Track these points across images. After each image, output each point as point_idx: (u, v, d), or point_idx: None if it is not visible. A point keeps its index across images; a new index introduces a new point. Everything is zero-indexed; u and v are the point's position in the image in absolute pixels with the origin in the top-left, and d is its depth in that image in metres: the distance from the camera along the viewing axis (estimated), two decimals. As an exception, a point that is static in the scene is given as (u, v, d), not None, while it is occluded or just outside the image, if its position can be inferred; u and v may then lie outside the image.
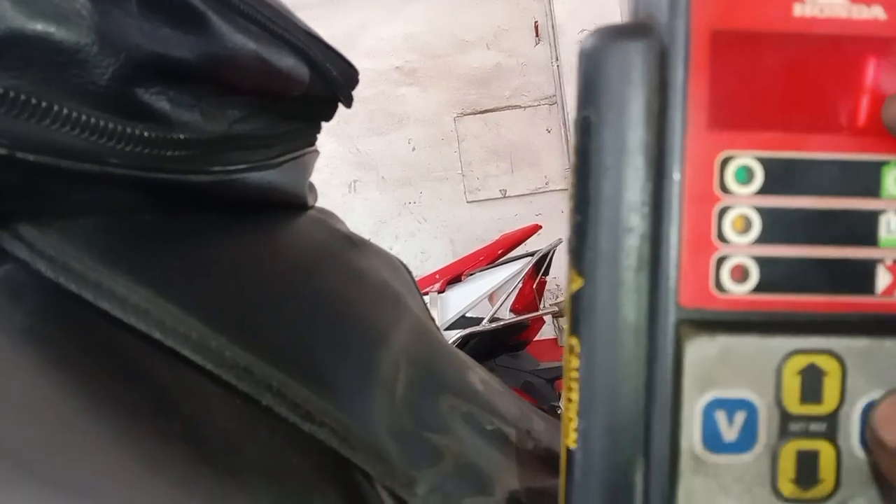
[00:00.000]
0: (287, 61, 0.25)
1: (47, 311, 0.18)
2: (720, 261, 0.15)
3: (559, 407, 1.84)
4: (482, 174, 3.06)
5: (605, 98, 0.15)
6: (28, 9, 0.17)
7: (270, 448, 0.20)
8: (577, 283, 0.15)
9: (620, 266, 0.15)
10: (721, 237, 0.15)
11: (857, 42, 0.14)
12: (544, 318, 1.97)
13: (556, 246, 1.92)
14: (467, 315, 1.75)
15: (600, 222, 0.15)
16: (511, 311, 1.81)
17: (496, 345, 1.80)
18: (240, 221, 0.26)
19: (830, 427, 0.15)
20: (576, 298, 0.16)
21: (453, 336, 1.67)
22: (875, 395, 0.15)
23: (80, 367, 0.17)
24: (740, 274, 0.15)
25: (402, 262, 0.38)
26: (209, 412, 0.19)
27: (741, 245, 0.15)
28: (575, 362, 0.16)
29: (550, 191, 3.04)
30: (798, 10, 0.14)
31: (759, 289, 0.15)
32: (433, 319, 0.37)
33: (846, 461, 0.15)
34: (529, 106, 3.04)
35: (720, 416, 0.15)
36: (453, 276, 1.80)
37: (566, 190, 3.11)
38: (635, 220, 0.15)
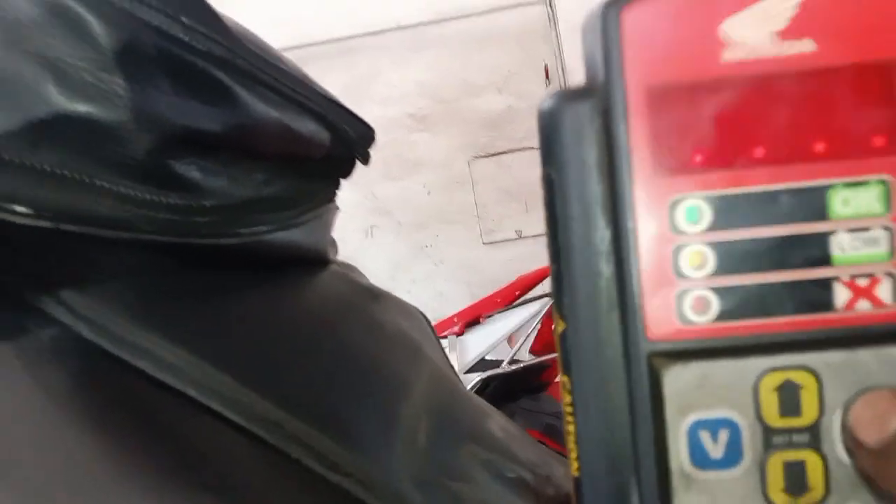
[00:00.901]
0: (309, 126, 0.26)
1: (88, 370, 0.19)
2: (681, 295, 0.16)
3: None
4: (497, 215, 3.08)
5: (561, 156, 0.16)
6: (71, 92, 0.18)
7: (300, 498, 0.21)
8: (561, 326, 0.17)
9: (594, 308, 0.16)
10: (679, 273, 0.16)
11: (788, 77, 0.15)
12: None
13: (573, 285, 1.92)
14: (487, 358, 1.74)
15: (572, 270, 0.16)
16: (531, 352, 1.80)
17: (516, 387, 1.78)
18: (266, 279, 0.27)
19: (813, 437, 0.15)
20: (562, 340, 0.17)
21: (473, 379, 1.67)
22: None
23: (119, 423, 0.18)
24: (702, 305, 0.16)
25: (420, 311, 0.39)
26: (241, 464, 0.20)
27: (699, 279, 0.16)
28: (568, 398, 0.17)
29: (566, 230, 3.05)
30: (726, 56, 0.15)
31: (721, 317, 0.16)
32: (452, 366, 0.37)
33: (833, 468, 0.15)
34: (542, 147, 3.07)
35: (704, 436, 0.16)
36: (471, 319, 1.80)
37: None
38: (601, 266, 0.16)
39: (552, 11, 2.96)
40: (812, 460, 0.15)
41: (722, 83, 0.15)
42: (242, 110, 0.23)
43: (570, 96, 0.16)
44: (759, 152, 0.15)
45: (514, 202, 3.06)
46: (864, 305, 0.15)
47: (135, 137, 0.19)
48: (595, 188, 0.16)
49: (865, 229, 0.15)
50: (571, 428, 0.17)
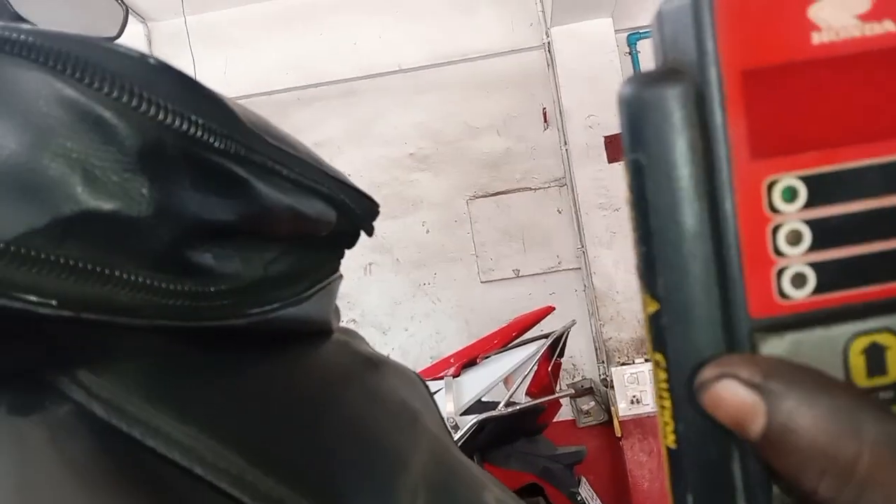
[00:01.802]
0: (316, 207, 0.28)
1: (101, 448, 0.19)
2: (780, 272, 0.16)
3: (578, 493, 1.79)
4: (495, 255, 3.09)
5: (651, 142, 0.16)
6: (97, 190, 0.19)
7: None
8: (653, 307, 0.17)
9: (691, 289, 0.16)
10: (777, 251, 0.16)
11: (876, 56, 0.16)
12: (561, 401, 1.95)
13: (569, 328, 1.92)
14: (483, 399, 1.73)
15: (666, 252, 0.16)
16: (527, 394, 1.79)
17: (513, 429, 1.78)
18: (273, 354, 0.27)
19: None
20: (654, 319, 0.17)
21: (469, 421, 1.66)
22: None
23: (130, 499, 0.19)
24: (799, 280, 0.16)
25: (418, 376, 0.40)
26: None
27: (796, 255, 0.16)
28: (662, 375, 0.17)
29: (563, 270, 3.07)
30: (816, 38, 0.15)
31: (818, 290, 0.16)
32: (449, 432, 0.38)
33: None
34: (540, 188, 3.11)
35: None
36: (468, 360, 1.80)
37: (579, 269, 3.13)
38: (698, 248, 0.16)
39: (550, 56, 3.03)
40: None
41: (812, 65, 0.15)
42: (256, 200, 0.24)
43: (654, 80, 0.16)
44: (851, 130, 0.16)
45: (511, 241, 3.09)
46: None
47: (155, 231, 0.20)
48: (689, 172, 0.16)
49: None
50: (667, 403, 0.17)
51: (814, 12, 0.15)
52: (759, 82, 0.16)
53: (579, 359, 3.04)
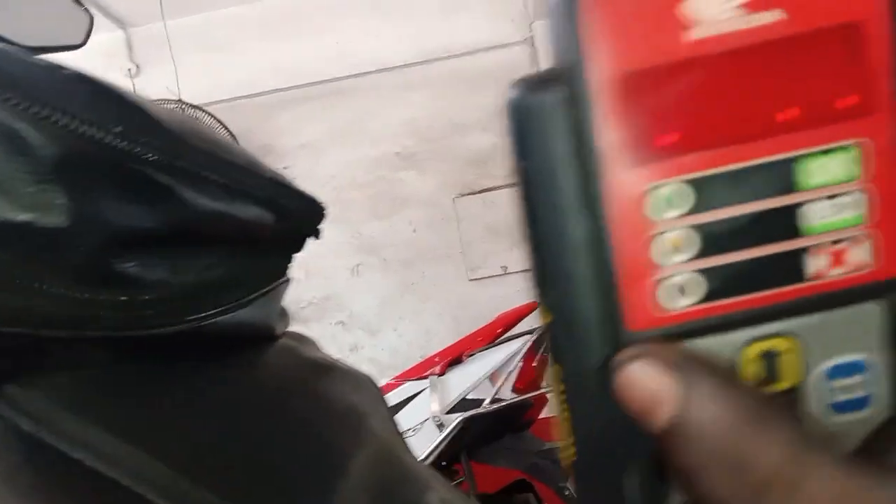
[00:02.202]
0: (250, 211, 0.27)
1: (28, 462, 0.19)
2: (660, 281, 0.15)
3: (567, 488, 1.79)
4: (483, 252, 3.09)
5: (534, 150, 0.16)
6: (12, 201, 0.19)
7: None
8: (548, 317, 0.17)
9: (575, 301, 0.16)
10: (658, 260, 0.15)
11: (755, 50, 0.15)
12: (547, 396, 1.95)
13: (554, 322, 1.91)
14: (468, 397, 1.73)
15: (553, 263, 0.16)
16: (513, 390, 1.79)
17: (500, 426, 1.78)
18: (211, 362, 0.27)
19: (792, 400, 0.16)
20: (549, 330, 0.17)
21: (455, 419, 1.66)
22: (833, 361, 0.16)
23: None
24: (680, 289, 0.16)
25: (371, 379, 0.39)
26: None
27: (681, 263, 0.15)
28: (561, 386, 0.17)
29: (552, 265, 3.07)
30: (689, 36, 0.15)
31: (704, 299, 0.15)
32: (400, 434, 0.38)
33: (811, 427, 0.16)
34: (526, 184, 3.10)
35: None
36: (453, 358, 1.80)
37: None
38: (581, 259, 0.16)
39: (535, 51, 3.02)
40: None
41: (688, 63, 0.15)
42: (183, 207, 0.23)
43: (536, 86, 0.16)
44: (730, 130, 0.15)
45: (499, 239, 3.08)
46: (836, 271, 0.15)
47: (74, 242, 0.20)
48: (570, 180, 0.16)
49: (836, 196, 0.15)
50: (567, 415, 0.17)
51: (688, 6, 0.15)
52: (632, 85, 0.15)
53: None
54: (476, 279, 3.10)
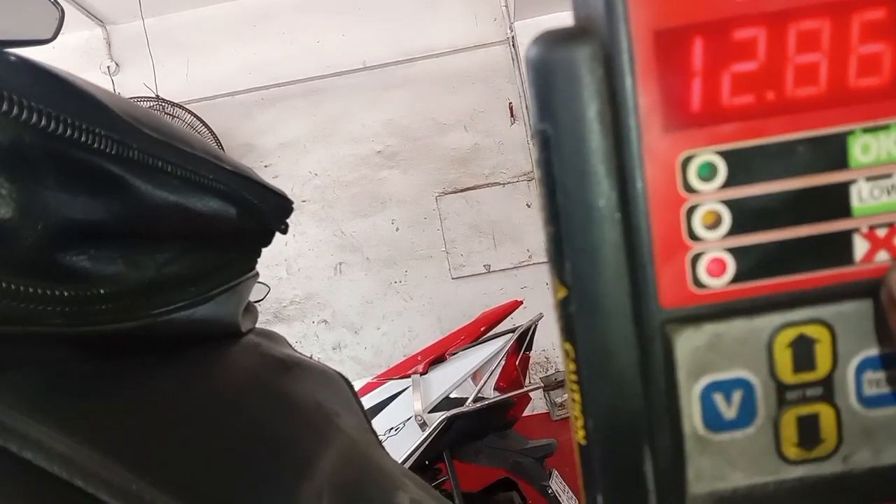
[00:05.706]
0: (211, 204, 0.26)
1: None
2: (695, 258, 0.14)
3: (549, 486, 1.80)
4: (466, 250, 3.10)
5: (558, 111, 0.14)
6: None
7: None
8: (562, 293, 0.15)
9: (598, 276, 0.15)
10: (692, 236, 0.14)
11: (808, 10, 0.14)
12: (530, 394, 1.96)
13: (537, 321, 1.92)
14: (451, 396, 1.73)
15: (574, 234, 0.15)
16: (496, 389, 1.79)
17: (482, 425, 1.77)
18: (171, 359, 0.26)
19: (827, 390, 0.15)
20: (563, 306, 0.15)
21: (438, 418, 1.65)
22: (867, 353, 0.15)
23: None
24: (717, 267, 0.15)
25: (341, 376, 0.38)
26: None
27: (714, 240, 0.14)
28: (572, 366, 0.16)
29: (534, 263, 3.08)
30: None
31: (737, 278, 0.15)
32: (373, 432, 0.37)
33: (846, 418, 0.15)
34: (508, 182, 3.11)
35: (718, 398, 0.15)
36: (436, 357, 1.79)
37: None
38: (607, 230, 0.15)
39: (515, 51, 3.03)
40: (826, 412, 0.15)
41: (736, 22, 0.13)
42: (136, 199, 0.23)
43: (561, 40, 0.14)
44: (775, 100, 0.14)
45: (482, 237, 3.09)
46: (882, 256, 0.14)
47: (18, 233, 0.19)
48: (598, 144, 0.14)
49: (887, 176, 0.14)
50: (577, 397, 0.16)
51: None
52: (674, 44, 0.14)
53: (552, 352, 3.06)
54: (459, 277, 3.11)
